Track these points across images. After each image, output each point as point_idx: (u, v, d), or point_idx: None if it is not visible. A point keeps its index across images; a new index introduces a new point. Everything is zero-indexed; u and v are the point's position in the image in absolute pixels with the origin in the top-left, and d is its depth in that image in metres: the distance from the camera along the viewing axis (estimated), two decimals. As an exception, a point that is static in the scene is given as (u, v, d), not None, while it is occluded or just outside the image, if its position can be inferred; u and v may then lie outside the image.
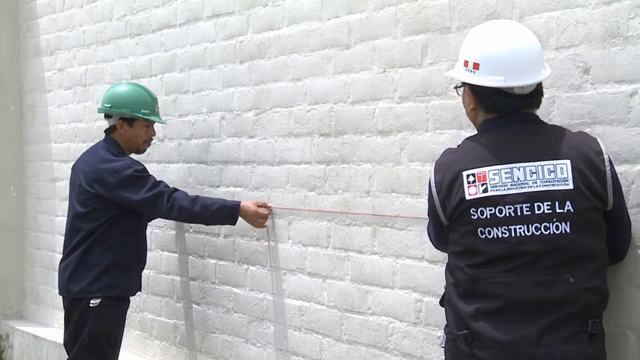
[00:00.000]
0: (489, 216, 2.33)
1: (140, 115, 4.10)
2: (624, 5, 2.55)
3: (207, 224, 4.20)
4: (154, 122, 4.20)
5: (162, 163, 4.82)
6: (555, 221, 2.29)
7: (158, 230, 4.82)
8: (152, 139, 4.26)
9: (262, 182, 4.07)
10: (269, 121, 4.02)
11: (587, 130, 2.60)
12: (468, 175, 2.37)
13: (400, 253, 3.34)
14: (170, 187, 4.05)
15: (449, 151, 2.55)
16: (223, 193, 4.31)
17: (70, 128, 5.74)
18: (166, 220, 4.71)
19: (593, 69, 2.63)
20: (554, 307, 2.28)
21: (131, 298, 4.22)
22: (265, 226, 4.00)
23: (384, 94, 3.40)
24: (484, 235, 2.34)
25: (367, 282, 3.50)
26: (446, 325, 2.50)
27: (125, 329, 4.22)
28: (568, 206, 2.29)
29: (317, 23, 3.72)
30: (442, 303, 2.60)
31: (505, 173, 2.34)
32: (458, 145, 2.55)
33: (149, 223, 4.65)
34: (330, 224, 3.68)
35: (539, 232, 2.30)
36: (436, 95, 3.18)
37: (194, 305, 4.59)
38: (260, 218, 3.95)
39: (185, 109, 4.61)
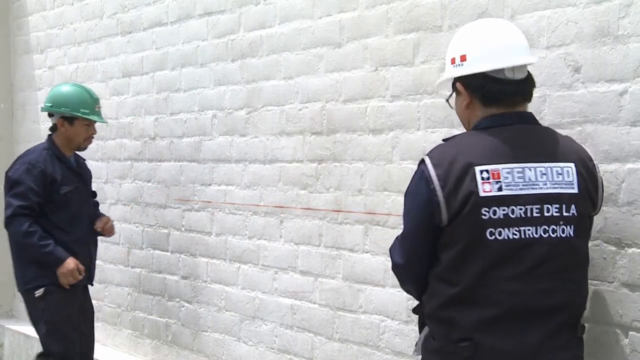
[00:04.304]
0: (502, 216, 2.22)
1: (80, 115, 4.22)
2: (614, 5, 2.56)
3: (33, 257, 4.15)
4: (95, 121, 4.29)
5: (153, 161, 4.80)
6: (562, 224, 2.24)
7: (149, 229, 4.81)
8: (93, 137, 4.37)
9: (254, 181, 4.06)
10: (260, 119, 4.01)
11: (577, 129, 2.61)
12: (482, 171, 2.23)
13: (391, 251, 3.34)
14: (32, 215, 4.08)
15: (446, 145, 2.39)
16: (215, 191, 4.31)
17: (61, 126, 5.72)
18: (157, 218, 4.71)
19: (584, 68, 2.64)
20: (553, 314, 2.25)
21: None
22: (68, 286, 4.06)
23: (375, 92, 3.40)
24: (494, 237, 2.22)
25: (358, 281, 3.50)
26: (430, 338, 2.36)
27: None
28: (573, 210, 2.25)
29: (309, 21, 3.72)
30: (415, 311, 2.49)
31: (518, 172, 2.25)
32: (448, 139, 2.42)
33: (142, 222, 4.64)
34: (322, 222, 3.67)
35: (547, 234, 2.23)
36: (428, 93, 3.18)
37: (185, 304, 4.58)
38: (64, 278, 4.03)
39: (177, 107, 4.60)
